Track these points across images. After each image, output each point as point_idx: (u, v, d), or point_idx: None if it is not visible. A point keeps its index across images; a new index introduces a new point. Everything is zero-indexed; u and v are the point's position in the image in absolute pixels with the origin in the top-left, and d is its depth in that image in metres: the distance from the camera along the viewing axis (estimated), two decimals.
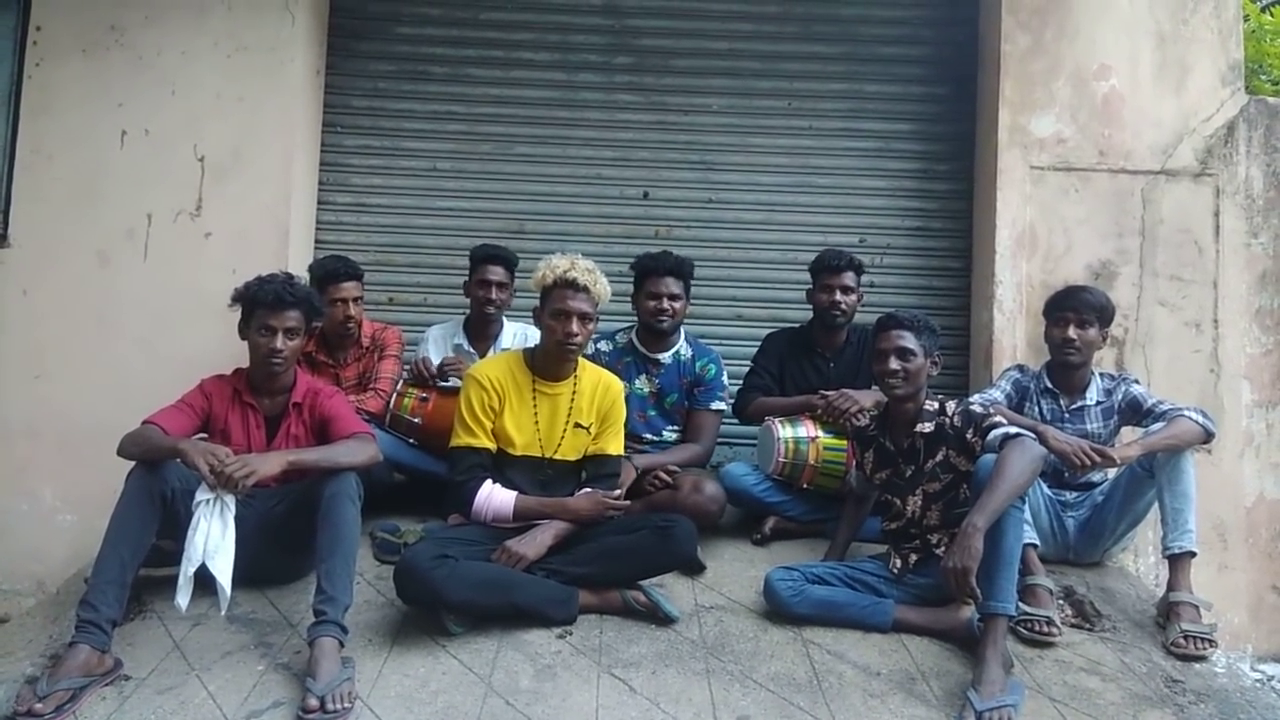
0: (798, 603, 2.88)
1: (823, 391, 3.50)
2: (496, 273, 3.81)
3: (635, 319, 3.75)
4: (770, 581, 2.92)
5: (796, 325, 3.91)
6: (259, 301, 2.87)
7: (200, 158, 4.22)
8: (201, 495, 2.56)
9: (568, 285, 2.94)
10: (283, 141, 4.26)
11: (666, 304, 3.58)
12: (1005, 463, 2.62)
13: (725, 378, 3.74)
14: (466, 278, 3.89)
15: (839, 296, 3.64)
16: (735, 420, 3.84)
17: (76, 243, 4.15)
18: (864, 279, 3.79)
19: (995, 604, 2.60)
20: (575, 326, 2.94)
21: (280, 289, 2.87)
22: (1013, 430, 2.73)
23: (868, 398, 3.37)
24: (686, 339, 3.75)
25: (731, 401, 3.79)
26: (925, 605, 2.88)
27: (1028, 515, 3.08)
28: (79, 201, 4.17)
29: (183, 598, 2.51)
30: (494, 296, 3.80)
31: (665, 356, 3.68)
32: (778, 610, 2.90)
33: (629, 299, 3.69)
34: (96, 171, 4.18)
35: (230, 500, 2.58)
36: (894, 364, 2.88)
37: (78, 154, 4.18)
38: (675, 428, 3.71)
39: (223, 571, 2.52)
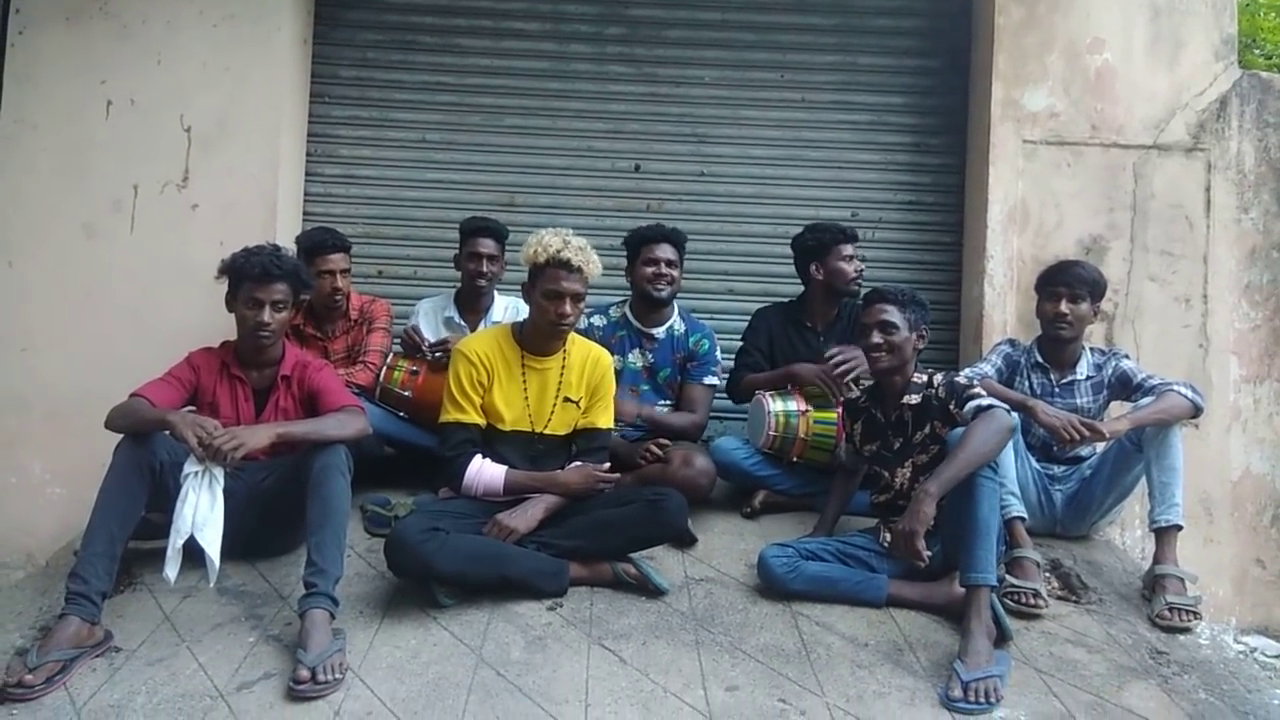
0: (792, 579, 2.88)
1: (832, 349, 3.48)
2: (487, 245, 3.79)
3: (628, 293, 3.74)
4: (764, 559, 2.92)
5: (786, 300, 3.91)
6: (246, 274, 2.85)
7: (187, 128, 4.16)
8: (190, 467, 2.56)
9: (561, 266, 2.89)
10: (270, 112, 4.21)
11: (664, 269, 3.57)
12: (969, 433, 2.66)
13: (719, 353, 3.74)
14: (456, 250, 3.88)
15: (848, 266, 3.66)
16: (725, 396, 3.84)
17: (62, 214, 4.10)
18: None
19: (975, 575, 2.61)
20: (568, 307, 2.92)
21: (267, 261, 2.85)
22: (985, 402, 2.75)
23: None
24: (680, 314, 3.74)
25: (725, 377, 3.79)
26: (917, 579, 2.89)
27: (1015, 489, 3.11)
28: (64, 173, 4.11)
29: (171, 570, 2.52)
30: (485, 269, 3.79)
31: (659, 331, 3.67)
32: (772, 587, 2.90)
33: (619, 273, 3.67)
34: (82, 142, 4.12)
35: (219, 473, 2.58)
36: (876, 337, 2.91)
37: (62, 124, 4.12)
38: (667, 403, 3.71)
39: (211, 544, 2.52)
